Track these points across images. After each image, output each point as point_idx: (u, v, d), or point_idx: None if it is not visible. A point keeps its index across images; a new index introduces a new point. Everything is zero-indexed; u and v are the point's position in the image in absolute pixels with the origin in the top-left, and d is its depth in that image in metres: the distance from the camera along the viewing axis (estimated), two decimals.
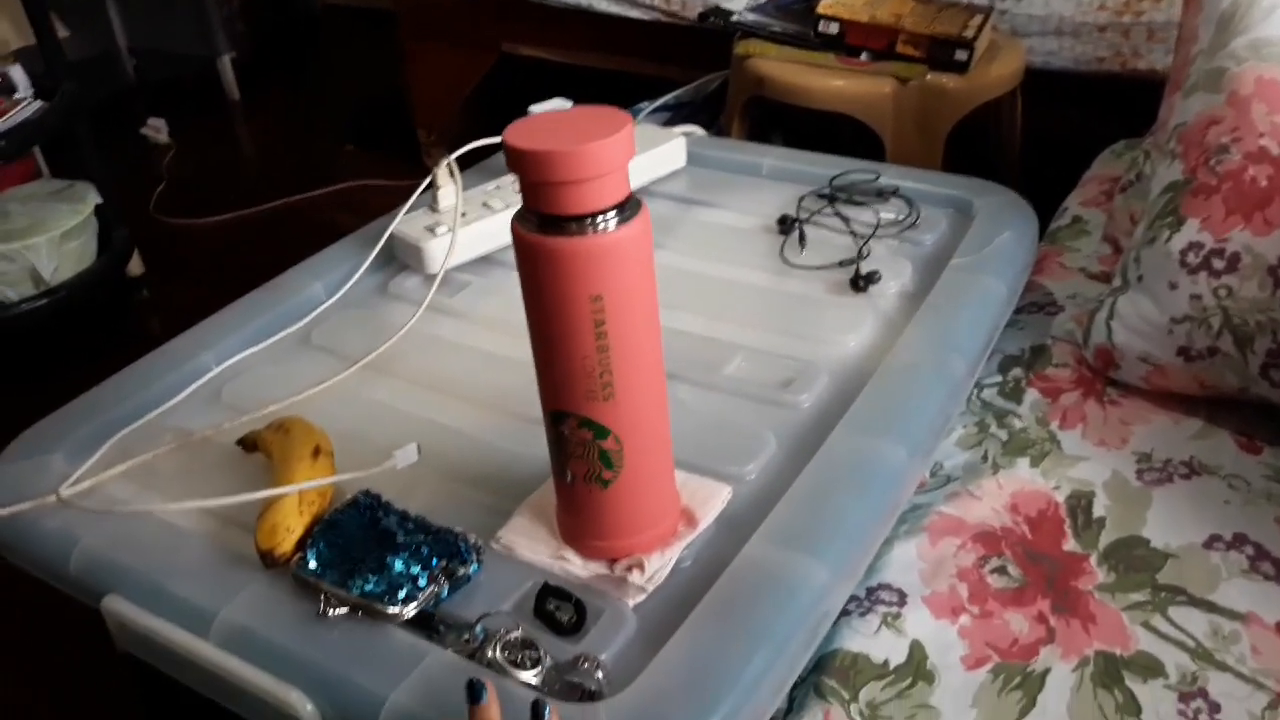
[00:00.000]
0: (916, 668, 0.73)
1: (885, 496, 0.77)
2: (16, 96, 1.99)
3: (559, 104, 1.20)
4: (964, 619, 0.77)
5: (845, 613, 0.77)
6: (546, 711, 0.56)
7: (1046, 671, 0.73)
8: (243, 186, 2.72)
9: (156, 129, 3.00)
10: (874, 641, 0.75)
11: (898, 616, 0.77)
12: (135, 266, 2.29)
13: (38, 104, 2.00)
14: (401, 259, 1.08)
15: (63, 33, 2.10)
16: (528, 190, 0.59)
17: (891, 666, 0.73)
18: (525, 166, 0.57)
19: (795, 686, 0.72)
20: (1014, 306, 1.01)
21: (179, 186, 2.73)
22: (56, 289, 2.02)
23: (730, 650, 0.63)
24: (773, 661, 0.64)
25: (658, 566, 0.70)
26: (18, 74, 2.00)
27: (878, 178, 1.16)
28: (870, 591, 0.79)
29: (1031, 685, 0.72)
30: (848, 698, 0.71)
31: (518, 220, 0.61)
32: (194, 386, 0.92)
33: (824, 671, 0.73)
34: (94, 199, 2.11)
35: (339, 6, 3.94)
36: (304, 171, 2.74)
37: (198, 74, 3.28)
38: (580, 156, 0.56)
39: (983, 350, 0.93)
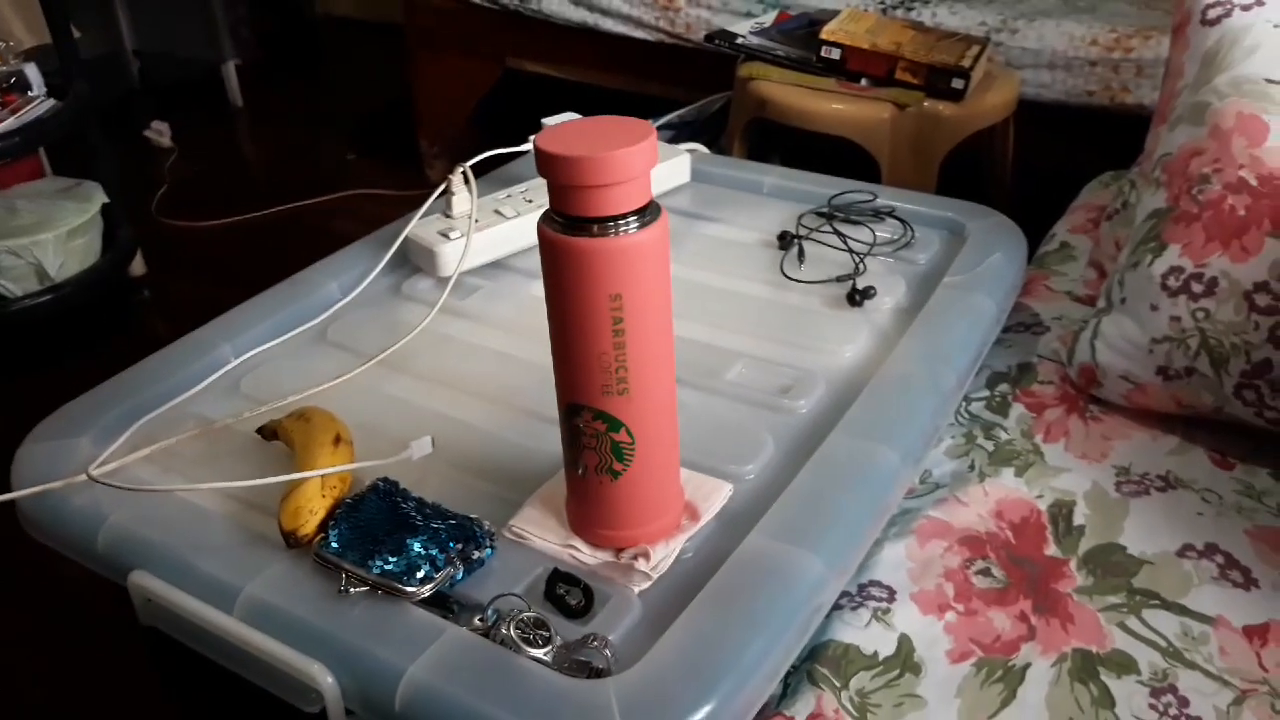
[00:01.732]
0: (904, 660, 0.77)
1: (878, 496, 0.80)
2: (30, 94, 2.03)
3: (570, 117, 1.23)
4: (950, 616, 0.80)
5: (838, 607, 0.80)
6: None
7: (1027, 666, 0.76)
8: (244, 191, 2.74)
9: (160, 132, 3.02)
10: (864, 634, 0.79)
11: (887, 611, 0.80)
12: (137, 267, 2.32)
13: (50, 102, 2.03)
14: (414, 262, 1.11)
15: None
16: (556, 192, 0.63)
17: (880, 658, 0.77)
18: (555, 170, 0.61)
19: (789, 674, 0.76)
20: (1003, 324, 1.05)
21: (180, 190, 2.76)
22: (61, 285, 2.05)
23: (729, 635, 0.66)
24: (769, 647, 0.67)
25: (662, 556, 0.73)
26: (32, 72, 2.03)
27: (874, 198, 1.20)
28: (861, 588, 0.82)
29: (1012, 678, 0.75)
30: (839, 685, 0.75)
31: (543, 221, 0.65)
32: (214, 377, 0.95)
33: (817, 660, 0.77)
34: (100, 198, 2.13)
35: (338, 18, 3.98)
36: (305, 179, 2.77)
37: (202, 79, 3.31)
38: (607, 162, 0.60)
39: (972, 364, 0.97)
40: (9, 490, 0.81)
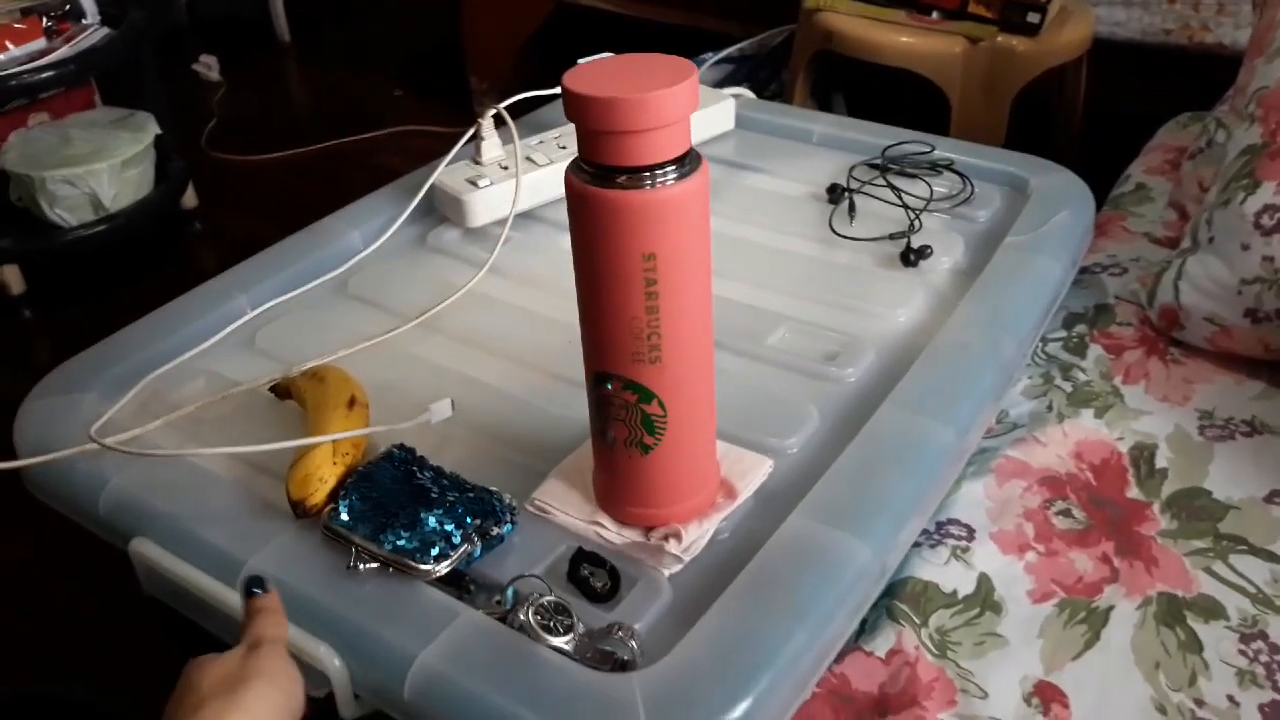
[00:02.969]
0: (984, 598, 0.76)
1: (931, 477, 0.75)
2: (85, 22, 2.00)
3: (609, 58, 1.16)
4: (1030, 556, 0.79)
5: (916, 544, 0.79)
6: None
7: (1110, 608, 0.75)
8: (293, 126, 2.72)
9: (208, 66, 3.00)
10: (944, 572, 0.78)
11: (966, 550, 0.79)
12: (189, 199, 2.31)
13: (104, 31, 2.01)
14: (441, 211, 1.06)
15: None
16: (585, 139, 0.57)
17: (960, 596, 0.76)
18: (584, 114, 0.55)
19: (868, 610, 0.74)
20: (1067, 287, 0.98)
21: (229, 124, 2.74)
22: (115, 215, 2.05)
23: (767, 627, 0.61)
24: (812, 639, 0.62)
25: (695, 537, 0.68)
26: (86, 1, 2.00)
27: (932, 149, 1.12)
28: (940, 526, 0.81)
29: (1096, 620, 0.74)
30: (919, 622, 0.74)
31: (571, 171, 0.59)
32: (228, 330, 0.91)
33: (896, 596, 0.76)
34: (154, 129, 2.12)
35: None
36: (353, 114, 2.74)
37: (250, 14, 3.27)
38: (642, 105, 0.54)
39: (1035, 330, 0.91)
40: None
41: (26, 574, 1.48)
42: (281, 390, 0.80)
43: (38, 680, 1.30)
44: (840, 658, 0.71)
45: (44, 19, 1.95)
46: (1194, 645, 0.72)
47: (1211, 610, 0.74)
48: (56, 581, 1.46)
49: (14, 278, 2.02)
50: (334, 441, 0.71)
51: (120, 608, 1.33)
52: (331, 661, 0.62)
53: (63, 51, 1.94)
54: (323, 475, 0.69)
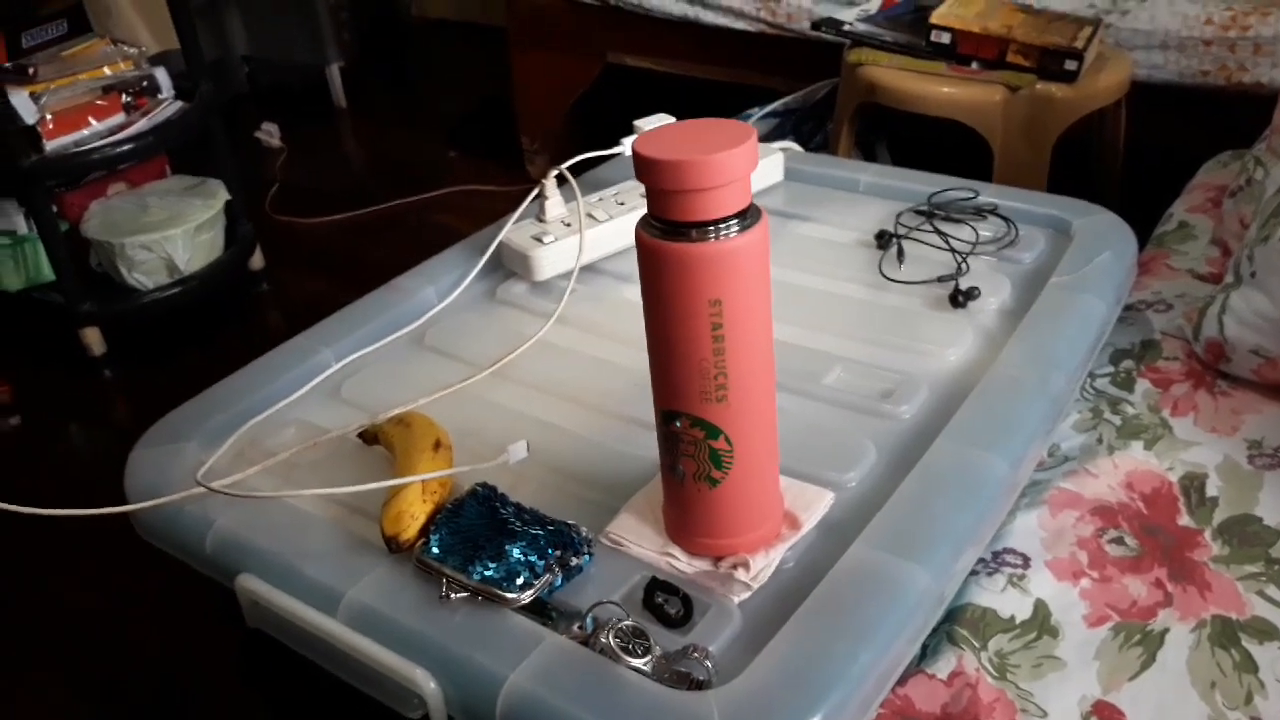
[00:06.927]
0: (1041, 623, 0.78)
1: (987, 506, 0.78)
2: (160, 97, 2.11)
3: (663, 119, 1.22)
4: (1084, 582, 0.81)
5: (974, 572, 0.82)
6: None
7: (1165, 631, 0.77)
8: (351, 189, 2.80)
9: (269, 133, 3.10)
10: (1001, 598, 0.80)
11: (1022, 577, 0.81)
12: (256, 260, 2.40)
13: (178, 104, 2.11)
14: (509, 266, 1.11)
15: None
16: (654, 198, 0.62)
17: (1018, 621, 0.78)
18: (654, 175, 0.60)
19: (928, 635, 0.76)
20: (1113, 324, 1.01)
21: (291, 188, 2.83)
22: (189, 278, 2.14)
23: (835, 648, 0.65)
24: (877, 660, 0.65)
25: (762, 565, 0.72)
26: (162, 76, 2.11)
27: (976, 195, 1.16)
28: (995, 554, 0.83)
29: (1151, 642, 0.76)
30: (978, 646, 0.76)
31: (642, 226, 0.64)
32: (315, 381, 0.97)
33: (955, 622, 0.78)
34: (224, 195, 2.21)
35: (434, 20, 4.04)
36: (409, 176, 2.82)
37: (307, 81, 3.38)
38: (707, 166, 0.59)
39: (1083, 366, 0.93)
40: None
41: (94, 619, 1.54)
42: (369, 436, 0.86)
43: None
44: (903, 680, 0.74)
45: (123, 95, 2.06)
46: (1249, 665, 0.74)
47: (1266, 632, 0.76)
48: (120, 626, 1.52)
49: (95, 340, 2.10)
50: (423, 481, 0.76)
51: (185, 654, 1.38)
52: (427, 684, 0.67)
53: (140, 125, 2.03)
54: (414, 513, 0.74)
